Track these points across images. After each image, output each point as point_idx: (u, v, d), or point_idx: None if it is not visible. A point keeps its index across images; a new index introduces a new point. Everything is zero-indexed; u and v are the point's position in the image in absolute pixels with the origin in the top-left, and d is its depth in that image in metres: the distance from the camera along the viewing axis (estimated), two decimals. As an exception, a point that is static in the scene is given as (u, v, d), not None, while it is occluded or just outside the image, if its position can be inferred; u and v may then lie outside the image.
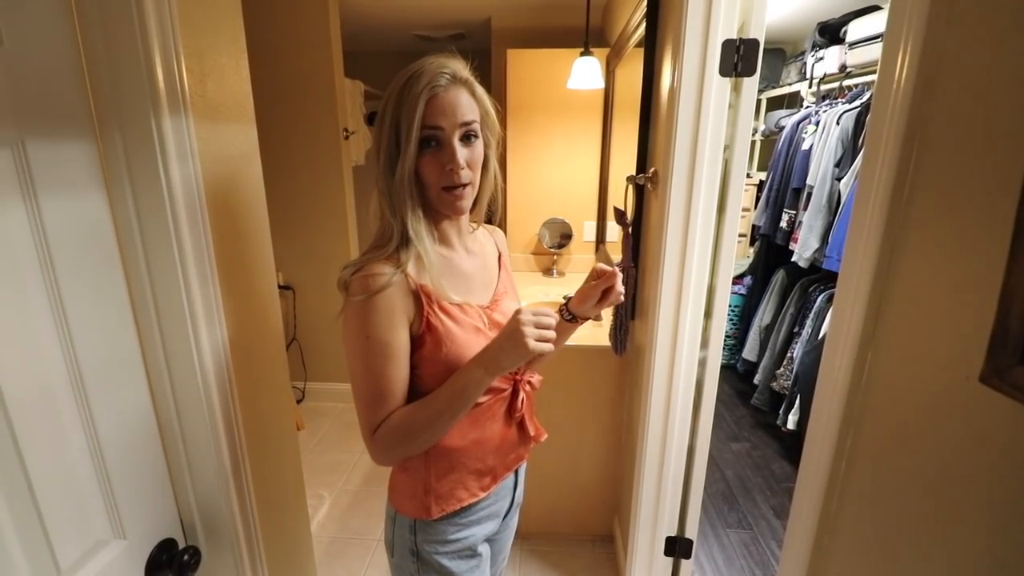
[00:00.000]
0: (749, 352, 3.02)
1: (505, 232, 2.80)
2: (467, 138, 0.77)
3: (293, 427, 1.22)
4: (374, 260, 0.75)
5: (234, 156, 0.92)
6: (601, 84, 2.08)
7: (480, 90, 0.80)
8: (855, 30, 2.31)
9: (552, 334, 0.70)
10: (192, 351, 0.78)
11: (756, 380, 2.87)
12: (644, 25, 1.51)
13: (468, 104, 0.76)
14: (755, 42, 1.15)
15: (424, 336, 0.77)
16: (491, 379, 0.73)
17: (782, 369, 2.65)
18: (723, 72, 1.16)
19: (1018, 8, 0.39)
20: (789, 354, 2.61)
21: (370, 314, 0.73)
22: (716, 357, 1.41)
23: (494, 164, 0.86)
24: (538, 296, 2.33)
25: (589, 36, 2.02)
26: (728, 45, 1.14)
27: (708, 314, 1.38)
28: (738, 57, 1.16)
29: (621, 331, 1.67)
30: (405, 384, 0.78)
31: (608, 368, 1.82)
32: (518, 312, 0.70)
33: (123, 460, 0.71)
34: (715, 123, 1.19)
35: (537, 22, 2.71)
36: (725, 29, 1.13)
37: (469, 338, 0.79)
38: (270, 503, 1.04)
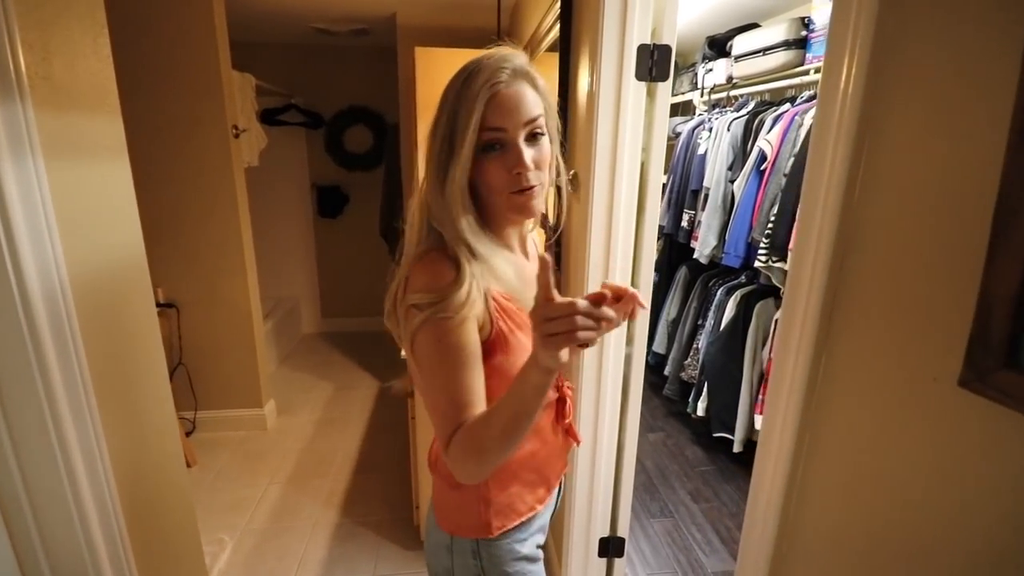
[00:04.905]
0: (658, 345, 3.18)
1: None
2: (533, 136, 0.70)
3: (182, 467, 1.05)
4: (450, 285, 0.66)
5: (93, 153, 0.75)
6: (514, 86, 2.07)
7: (542, 82, 0.73)
8: (739, 45, 2.51)
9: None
10: (40, 397, 0.62)
11: (666, 371, 3.03)
12: (558, 28, 1.51)
13: (533, 99, 0.70)
14: (668, 48, 1.18)
15: (494, 344, 0.71)
16: (549, 379, 0.62)
17: (689, 359, 2.82)
18: (639, 76, 1.18)
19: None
20: (695, 345, 2.78)
21: (443, 319, 0.65)
22: (641, 353, 1.44)
23: (559, 159, 0.80)
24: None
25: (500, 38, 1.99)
26: (643, 50, 1.16)
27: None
28: (652, 62, 1.18)
29: (547, 335, 1.66)
30: (482, 392, 0.69)
31: (534, 373, 1.80)
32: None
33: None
34: (633, 126, 1.21)
35: (445, 21, 2.64)
36: (640, 34, 1.15)
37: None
38: (156, 562, 0.88)
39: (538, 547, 0.89)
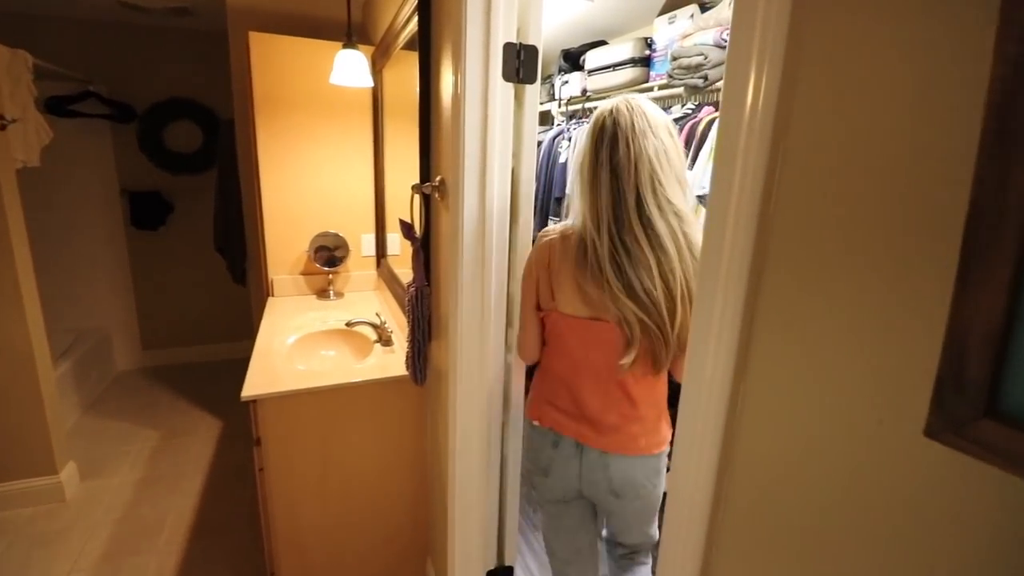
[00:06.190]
0: (532, 351, 3.19)
1: (265, 252, 2.34)
2: None
3: None
4: None
5: None
6: (370, 82, 1.88)
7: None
8: (591, 59, 2.62)
9: None
10: None
11: (541, 377, 3.05)
12: (415, 24, 1.38)
13: None
14: (534, 48, 1.13)
15: None
16: None
17: (562, 364, 2.87)
18: (506, 77, 1.11)
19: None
20: (567, 349, 2.84)
21: None
22: (521, 362, 1.37)
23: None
24: (315, 324, 1.99)
25: (351, 29, 1.79)
26: (509, 48, 1.09)
27: (511, 323, 1.33)
28: (519, 62, 1.12)
29: (420, 358, 1.51)
30: None
31: (406, 400, 1.64)
32: None
33: None
34: (502, 130, 1.14)
35: (283, 7, 2.34)
36: (506, 32, 1.08)
37: None
38: None
39: None
